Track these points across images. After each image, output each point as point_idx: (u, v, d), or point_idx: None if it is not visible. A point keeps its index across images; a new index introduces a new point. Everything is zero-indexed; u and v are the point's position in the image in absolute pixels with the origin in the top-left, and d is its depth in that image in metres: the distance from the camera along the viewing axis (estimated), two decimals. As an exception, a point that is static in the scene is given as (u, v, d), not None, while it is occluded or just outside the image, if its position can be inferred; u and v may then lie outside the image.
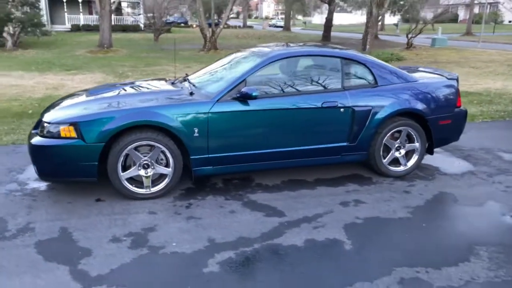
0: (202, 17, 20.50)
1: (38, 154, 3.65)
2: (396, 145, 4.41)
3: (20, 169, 4.45)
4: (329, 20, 27.75)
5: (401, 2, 27.57)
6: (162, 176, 3.85)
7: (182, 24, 46.56)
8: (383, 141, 4.32)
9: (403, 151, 4.45)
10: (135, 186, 3.78)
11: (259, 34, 34.63)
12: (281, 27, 45.44)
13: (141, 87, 4.50)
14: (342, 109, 4.11)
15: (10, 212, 3.47)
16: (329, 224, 3.38)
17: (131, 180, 3.78)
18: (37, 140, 3.67)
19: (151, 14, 27.53)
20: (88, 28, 34.57)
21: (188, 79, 4.52)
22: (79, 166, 3.62)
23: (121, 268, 2.72)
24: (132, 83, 4.91)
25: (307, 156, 4.17)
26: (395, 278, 2.66)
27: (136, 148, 3.70)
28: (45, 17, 33.07)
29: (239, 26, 49.98)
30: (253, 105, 3.88)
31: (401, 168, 4.47)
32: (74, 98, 4.28)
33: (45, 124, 3.69)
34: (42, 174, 3.73)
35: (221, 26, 20.97)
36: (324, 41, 26.56)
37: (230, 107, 3.84)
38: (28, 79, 11.55)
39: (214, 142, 3.84)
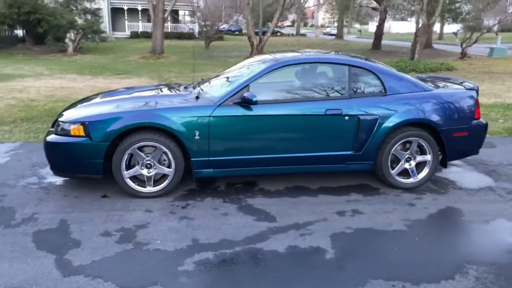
0: (250, 25, 20.82)
1: (51, 150, 3.93)
2: (406, 156, 4.28)
3: (43, 164, 4.76)
4: (380, 28, 27.16)
5: (458, 10, 26.40)
6: (164, 177, 3.99)
7: (237, 32, 47.42)
8: (391, 152, 4.21)
9: (413, 163, 4.30)
10: (138, 185, 3.95)
11: (309, 42, 34.57)
12: (334, 35, 44.99)
13: (154, 90, 4.69)
14: (346, 117, 4.06)
15: (21, 203, 3.75)
16: (317, 232, 3.35)
17: (134, 178, 3.95)
18: (51, 137, 3.95)
19: (204, 22, 28.34)
20: (146, 35, 36.11)
21: (200, 84, 4.66)
22: (86, 163, 3.85)
23: (103, 260, 2.87)
24: (145, 86, 5.13)
25: (310, 163, 4.16)
26: (366, 290, 2.61)
27: (140, 148, 3.87)
28: (106, 25, 35.13)
29: (292, 34, 50.16)
30: (255, 111, 3.93)
31: (411, 180, 4.32)
32: (91, 99, 4.56)
33: (60, 123, 3.97)
34: (54, 169, 4.00)
35: (268, 34, 21.18)
36: (373, 50, 26.01)
37: (232, 112, 3.92)
38: (79, 82, 12.31)
39: (215, 145, 3.93)
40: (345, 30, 63.67)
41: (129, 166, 3.94)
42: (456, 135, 4.30)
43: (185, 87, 4.73)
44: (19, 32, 23.77)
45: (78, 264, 2.81)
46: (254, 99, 3.86)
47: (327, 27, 71.27)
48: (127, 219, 3.49)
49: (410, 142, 4.25)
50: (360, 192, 4.23)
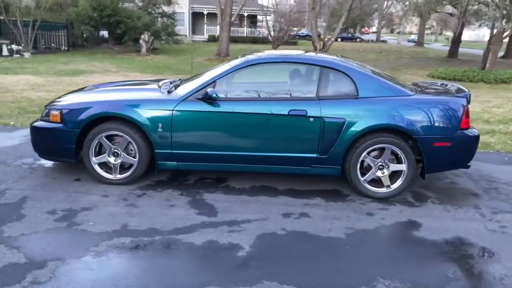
0: (314, 30, 20.65)
1: (35, 134, 4.31)
2: (379, 164, 4.04)
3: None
4: (457, 35, 25.40)
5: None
6: (132, 166, 4.19)
7: (327, 38, 47.13)
8: (360, 158, 4.01)
9: (386, 171, 4.05)
10: (105, 171, 4.18)
11: (385, 49, 33.34)
12: (415, 42, 42.93)
13: (138, 85, 4.93)
14: (311, 119, 3.95)
15: (2, 179, 4.16)
16: (247, 230, 3.32)
17: (104, 165, 4.19)
18: (36, 123, 4.33)
19: (275, 27, 28.65)
20: (222, 39, 37.41)
21: (181, 80, 4.80)
22: (61, 147, 4.17)
23: (31, 234, 3.11)
24: (137, 81, 5.38)
25: (274, 163, 4.10)
26: (253, 290, 2.55)
27: (109, 137, 4.11)
28: (186, 28, 36.94)
29: (372, 41, 48.72)
30: (217, 107, 3.98)
31: (383, 189, 4.08)
32: (81, 90, 4.91)
33: (45, 110, 4.34)
34: (37, 152, 4.37)
35: (332, 39, 20.85)
36: (449, 58, 24.40)
37: (194, 107, 4.01)
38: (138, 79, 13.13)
39: (177, 138, 4.04)
40: (432, 37, 60.39)
41: (100, 154, 4.18)
42: (437, 145, 3.98)
43: (170, 83, 4.89)
44: (105, 33, 25.85)
45: (7, 235, 3.08)
46: (213, 95, 3.92)
47: (415, 34, 68.07)
48: (80, 201, 3.73)
49: (383, 149, 4.02)
50: (326, 197, 4.08)
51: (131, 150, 4.14)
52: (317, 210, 3.77)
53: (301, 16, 33.63)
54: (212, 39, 37.10)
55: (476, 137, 4.12)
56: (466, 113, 4.04)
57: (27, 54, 18.81)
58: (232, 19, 21.69)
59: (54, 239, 3.06)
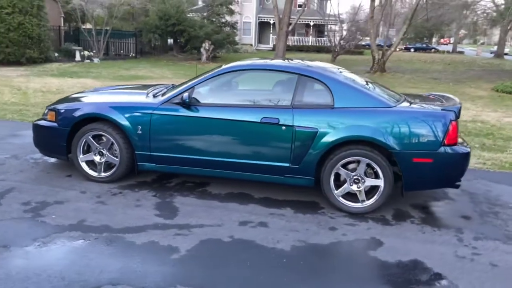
0: (373, 39, 20.06)
1: (35, 132, 4.67)
2: (354, 177, 3.87)
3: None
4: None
5: None
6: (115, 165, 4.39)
7: (386, 47, 45.77)
8: (334, 170, 3.86)
9: (362, 186, 3.86)
10: (91, 169, 4.42)
11: (457, 60, 31.45)
12: (495, 53, 40.03)
13: (134, 89, 5.15)
14: (283, 127, 3.89)
15: (4, 171, 4.56)
16: (195, 235, 3.33)
17: (91, 163, 4.43)
18: (37, 121, 4.70)
19: (341, 36, 28.29)
20: (287, 48, 37.61)
21: (173, 85, 4.94)
22: (54, 145, 4.48)
23: (-5, 221, 3.39)
24: (139, 85, 5.61)
25: (247, 171, 4.08)
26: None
27: (95, 137, 4.34)
28: (253, 37, 37.64)
29: (448, 51, 46.24)
30: (192, 112, 4.06)
31: (358, 204, 3.89)
32: (81, 92, 5.24)
33: (45, 110, 4.70)
34: (37, 148, 4.73)
35: (392, 49, 20.10)
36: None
37: (170, 111, 4.12)
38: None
39: (155, 141, 4.17)
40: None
41: (88, 152, 4.43)
42: (417, 160, 3.73)
43: (165, 88, 5.05)
44: (172, 41, 27.16)
45: (-25, 220, 3.38)
46: (187, 100, 4.00)
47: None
48: (57, 195, 3.97)
49: (359, 162, 3.84)
50: (297, 208, 3.97)
51: (115, 150, 4.34)
52: (279, 220, 3.69)
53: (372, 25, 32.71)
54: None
55: (465, 155, 3.79)
56: (453, 128, 3.73)
57: (96, 60, 20.30)
58: (289, 28, 21.74)
59: (11, 228, 3.30)
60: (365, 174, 3.85)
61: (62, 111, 4.41)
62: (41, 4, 18.14)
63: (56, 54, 19.83)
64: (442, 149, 3.70)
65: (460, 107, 3.89)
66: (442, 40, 76.49)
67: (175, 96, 4.15)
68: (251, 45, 36.38)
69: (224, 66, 4.29)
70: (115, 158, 4.31)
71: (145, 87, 5.18)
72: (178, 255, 3.02)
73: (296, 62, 4.39)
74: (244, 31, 38.46)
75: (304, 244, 3.28)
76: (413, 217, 3.91)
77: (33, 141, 4.72)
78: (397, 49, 51.33)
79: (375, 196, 3.84)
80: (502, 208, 4.21)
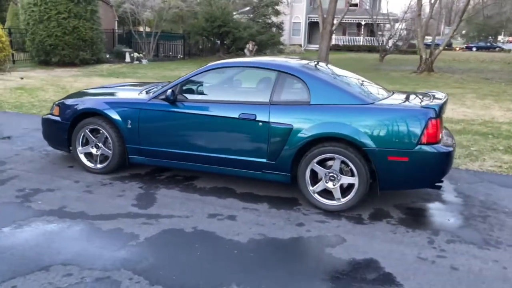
0: (420, 38, 19.29)
1: (43, 125, 5.04)
2: (330, 175, 3.84)
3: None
4: None
5: None
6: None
7: (446, 47, 43.77)
8: (309, 166, 3.85)
9: (337, 183, 3.83)
10: (88, 161, 4.71)
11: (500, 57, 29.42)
12: None
13: (133, 86, 5.38)
14: (260, 123, 3.94)
15: (16, 161, 4.95)
16: (160, 225, 3.47)
17: (89, 155, 4.72)
18: (45, 115, 5.08)
19: (394, 35, 27.46)
20: (336, 48, 37.13)
21: (169, 82, 5.12)
22: (58, 137, 4.83)
23: (-15, 204, 3.73)
24: (141, 83, 5.86)
25: (228, 165, 4.17)
26: (95, 276, 2.73)
27: (92, 130, 4.62)
28: (302, 37, 37.51)
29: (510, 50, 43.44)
30: (175, 108, 4.22)
31: (333, 202, 3.86)
32: (88, 89, 5.57)
33: (53, 105, 5.07)
34: (46, 141, 5.10)
35: (441, 48, 19.19)
36: None
37: (157, 107, 4.30)
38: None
39: (143, 135, 4.38)
40: None
41: (87, 145, 4.72)
42: (392, 159, 3.63)
43: (162, 86, 5.25)
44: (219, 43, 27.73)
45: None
46: (171, 98, 4.17)
47: None
48: (52, 184, 4.28)
49: (334, 159, 3.80)
50: (274, 203, 4.00)
51: (109, 143, 4.59)
52: (250, 214, 3.74)
53: (432, 23, 31.43)
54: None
55: (444, 154, 3.63)
56: (432, 126, 3.59)
57: (144, 61, 21.20)
58: (333, 28, 21.43)
59: (-1, 211, 3.62)
60: (341, 171, 3.80)
61: (64, 106, 4.74)
62: (95, 9, 19.24)
63: (108, 56, 20.94)
64: (418, 147, 3.58)
65: (442, 104, 3.73)
66: (510, 38, 71.77)
67: (162, 93, 4.32)
68: (300, 45, 36.24)
69: (208, 64, 4.41)
70: (109, 151, 4.56)
71: (149, 85, 5.42)
72: (135, 242, 3.17)
73: (279, 59, 4.41)
74: (294, 32, 38.41)
75: (262, 238, 3.32)
76: (392, 217, 3.81)
77: (42, 135, 5.10)
78: (457, 48, 48.89)
79: (350, 194, 3.78)
80: (495, 212, 3.98)
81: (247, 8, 27.43)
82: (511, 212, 4.00)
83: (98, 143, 4.60)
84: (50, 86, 11.78)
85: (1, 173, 4.54)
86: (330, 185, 3.84)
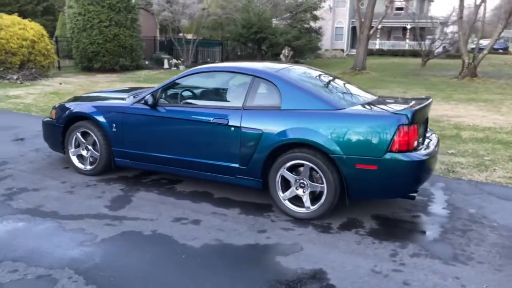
0: (462, 42, 18.41)
1: (42, 128, 5.29)
2: (300, 181, 3.75)
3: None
4: None
5: None
6: (103, 159, 4.78)
7: (500, 50, 41.47)
8: (279, 172, 3.79)
9: (307, 191, 3.73)
10: (80, 163, 4.88)
11: None
12: None
13: (128, 91, 5.51)
14: (232, 128, 3.93)
15: (19, 161, 5.23)
16: (122, 226, 3.52)
17: (81, 157, 4.90)
18: (45, 118, 5.33)
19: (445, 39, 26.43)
20: (381, 53, 36.26)
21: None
22: (53, 139, 5.05)
23: (-28, 201, 3.96)
24: (137, 88, 5.99)
25: (203, 170, 4.18)
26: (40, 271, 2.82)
27: (83, 134, 4.80)
28: (345, 42, 36.95)
29: None
30: (155, 112, 4.30)
31: (303, 210, 3.76)
32: (86, 93, 5.78)
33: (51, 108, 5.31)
34: (46, 142, 5.35)
35: (485, 52, 18.18)
36: None
37: (138, 111, 4.40)
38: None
39: (127, 138, 4.49)
40: None
41: (78, 147, 4.90)
42: (360, 167, 3.49)
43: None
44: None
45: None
46: (149, 102, 4.25)
47: None
48: (40, 183, 4.47)
49: (303, 165, 3.72)
50: (246, 209, 3.96)
51: (98, 146, 4.74)
52: (216, 219, 3.72)
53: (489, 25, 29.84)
54: (370, 53, 36.04)
55: (417, 163, 3.43)
56: (404, 133, 3.42)
57: (181, 67, 21.73)
58: (371, 32, 20.95)
59: (-21, 208, 3.84)
60: (311, 178, 3.70)
61: (59, 110, 4.96)
62: (135, 17, 20.00)
63: (147, 62, 21.66)
64: (388, 155, 3.41)
65: (418, 110, 3.54)
66: None
67: (143, 98, 4.41)
68: (342, 50, 35.69)
69: (188, 69, 4.45)
70: (97, 153, 4.71)
71: (140, 90, 5.56)
72: (91, 242, 3.25)
73: (256, 64, 4.36)
74: (336, 37, 37.92)
75: (217, 243, 3.29)
76: (363, 227, 3.65)
77: (43, 137, 5.35)
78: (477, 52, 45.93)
79: (319, 202, 3.67)
80: (480, 227, 3.71)
81: (288, 14, 27.40)
82: (499, 227, 3.71)
83: (88, 146, 4.77)
84: (82, 91, 12.33)
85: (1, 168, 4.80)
86: (300, 192, 3.75)
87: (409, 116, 3.44)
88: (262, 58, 25.36)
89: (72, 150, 4.87)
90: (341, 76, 4.77)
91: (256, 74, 4.01)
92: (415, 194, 3.56)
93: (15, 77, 14.18)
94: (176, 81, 4.39)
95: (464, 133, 7.63)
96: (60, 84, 14.03)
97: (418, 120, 3.60)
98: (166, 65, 21.85)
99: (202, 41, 24.76)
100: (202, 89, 4.57)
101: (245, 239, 3.37)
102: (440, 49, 28.58)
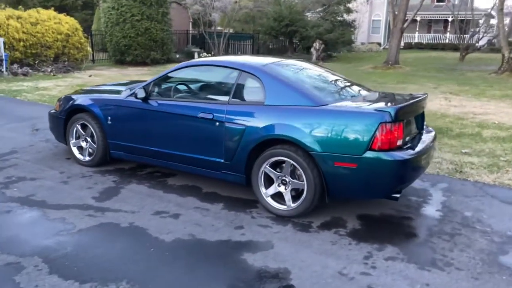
0: (502, 34, 17.46)
1: (48, 119, 5.47)
2: (282, 178, 3.70)
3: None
4: None
5: None
6: (102, 151, 4.89)
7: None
8: (261, 169, 3.74)
9: (288, 188, 3.67)
10: (79, 154, 5.01)
11: None
12: None
13: (129, 84, 5.59)
14: (217, 123, 3.91)
15: (27, 151, 5.43)
16: (102, 218, 3.59)
17: (81, 148, 5.03)
18: (50, 110, 5.51)
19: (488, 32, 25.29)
20: (420, 46, 35.06)
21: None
22: (57, 130, 5.21)
23: (-29, 189, 4.16)
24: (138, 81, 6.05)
25: (191, 164, 4.19)
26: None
27: (82, 126, 4.92)
28: (381, 35, 36.03)
29: None
30: (146, 105, 4.35)
31: (284, 207, 3.70)
32: (91, 87, 5.91)
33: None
34: (52, 133, 5.53)
35: (526, 45, 17.15)
36: None
37: (131, 104, 4.46)
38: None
39: (121, 131, 4.56)
40: None
41: (79, 138, 5.03)
42: (339, 165, 3.39)
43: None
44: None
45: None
46: (138, 95, 4.30)
47: None
48: (38, 173, 4.63)
49: (284, 162, 3.65)
50: (230, 205, 3.94)
51: (95, 138, 4.84)
52: (197, 214, 3.73)
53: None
54: (408, 46, 34.99)
55: (400, 162, 3.28)
56: (386, 131, 3.27)
57: (211, 61, 21.84)
58: (405, 25, 20.25)
59: (-26, 195, 4.02)
60: (293, 175, 3.63)
61: (62, 102, 5.10)
62: (166, 11, 20.28)
63: (178, 56, 21.94)
64: (368, 153, 3.29)
65: (401, 107, 3.37)
66: None
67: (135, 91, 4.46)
68: (379, 43, 34.77)
69: (179, 64, 4.46)
70: (94, 145, 4.82)
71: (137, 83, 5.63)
72: (67, 232, 3.33)
73: (244, 57, 4.30)
74: (373, 30, 36.98)
75: (190, 238, 3.29)
76: (345, 227, 3.55)
77: (49, 129, 5.53)
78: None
79: (300, 200, 3.59)
80: (470, 231, 3.52)
81: (321, 8, 26.97)
82: (492, 232, 3.51)
83: (87, 138, 4.88)
84: (109, 84, 12.66)
85: (4, 161, 5.01)
86: (282, 189, 3.69)
87: (392, 113, 3.28)
88: (294, 52, 25.13)
89: (72, 141, 5.00)
90: (338, 72, 4.61)
91: (243, 68, 3.96)
92: (398, 195, 3.41)
93: (49, 69, 14.75)
94: (168, 74, 4.41)
95: (486, 132, 7.25)
96: (90, 76, 14.46)
97: (405, 118, 3.44)
98: (196, 58, 22.05)
99: (234, 34, 24.80)
100: (192, 83, 4.56)
101: (218, 235, 3.35)
102: (483, 42, 27.26)
